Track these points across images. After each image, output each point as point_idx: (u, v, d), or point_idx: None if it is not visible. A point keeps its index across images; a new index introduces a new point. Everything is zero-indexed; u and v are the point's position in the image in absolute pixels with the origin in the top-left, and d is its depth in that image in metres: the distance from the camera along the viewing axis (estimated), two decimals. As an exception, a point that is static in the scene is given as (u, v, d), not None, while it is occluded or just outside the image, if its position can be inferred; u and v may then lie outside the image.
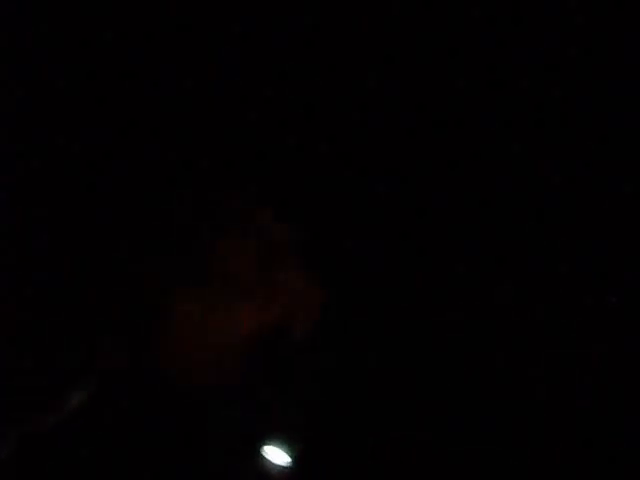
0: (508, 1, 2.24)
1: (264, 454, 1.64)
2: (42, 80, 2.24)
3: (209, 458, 1.57)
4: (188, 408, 1.60)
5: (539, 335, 2.23)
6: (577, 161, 2.25)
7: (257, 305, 1.64)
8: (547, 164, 2.25)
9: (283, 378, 1.70)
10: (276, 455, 1.63)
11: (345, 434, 2.15)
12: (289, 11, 2.26)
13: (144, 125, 2.25)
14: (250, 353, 1.59)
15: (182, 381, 1.60)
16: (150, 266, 1.78)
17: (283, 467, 1.63)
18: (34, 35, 2.24)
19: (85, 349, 1.93)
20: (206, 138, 2.25)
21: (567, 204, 2.25)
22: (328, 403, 2.07)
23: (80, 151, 2.24)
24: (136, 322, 1.73)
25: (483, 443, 2.18)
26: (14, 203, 2.22)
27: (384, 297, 2.25)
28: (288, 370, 1.70)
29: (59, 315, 2.17)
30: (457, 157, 2.26)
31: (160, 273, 1.76)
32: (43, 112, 2.24)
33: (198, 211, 1.83)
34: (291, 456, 1.62)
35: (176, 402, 1.59)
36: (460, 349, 2.22)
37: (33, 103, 2.24)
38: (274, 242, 1.75)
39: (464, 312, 2.23)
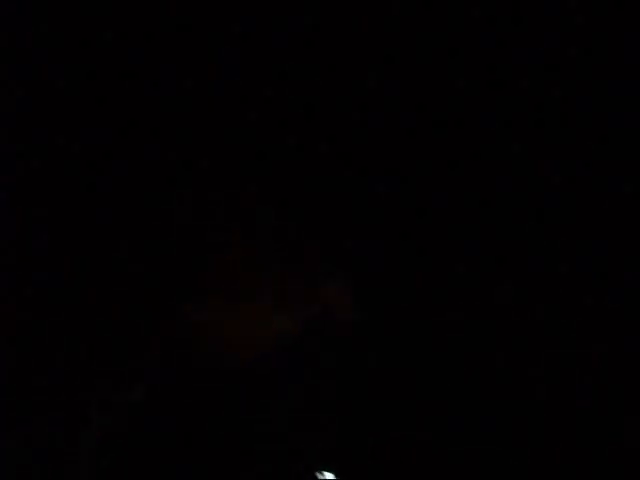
0: (508, 1, 2.24)
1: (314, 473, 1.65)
2: (42, 80, 2.24)
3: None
4: (233, 420, 1.60)
5: (539, 335, 2.23)
6: (577, 161, 2.25)
7: (271, 305, 1.64)
8: (547, 164, 2.25)
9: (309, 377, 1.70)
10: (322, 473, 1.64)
11: (346, 434, 2.15)
12: (289, 11, 2.26)
13: (144, 125, 2.24)
14: (273, 351, 1.60)
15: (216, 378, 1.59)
16: (159, 273, 1.78)
17: None
18: (34, 35, 2.23)
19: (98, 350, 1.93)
20: (206, 138, 2.25)
21: (567, 204, 2.25)
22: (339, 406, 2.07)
23: (80, 151, 2.24)
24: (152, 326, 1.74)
25: (483, 443, 2.18)
26: (14, 203, 2.22)
27: (384, 297, 2.25)
28: (314, 369, 1.70)
29: (59, 315, 2.17)
30: (457, 157, 2.26)
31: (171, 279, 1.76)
32: (43, 112, 2.24)
33: (198, 211, 1.83)
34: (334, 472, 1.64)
35: (219, 413, 1.59)
36: (460, 349, 2.22)
37: (33, 103, 2.24)
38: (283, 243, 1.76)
39: (464, 312, 2.23)
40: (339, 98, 2.26)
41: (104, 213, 2.22)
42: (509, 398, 2.21)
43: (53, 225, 2.22)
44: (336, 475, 1.78)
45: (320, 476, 1.73)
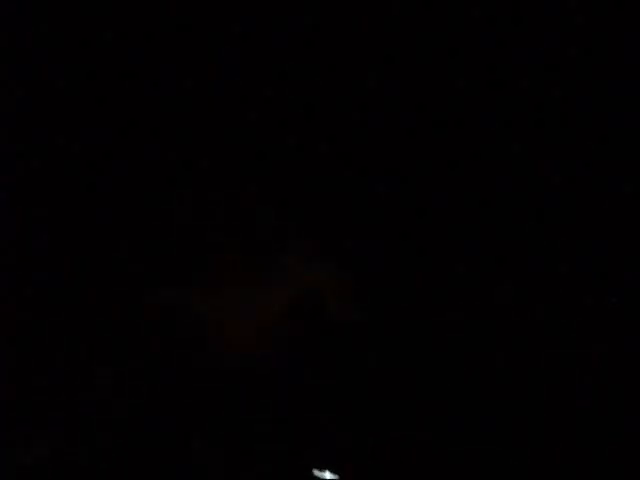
0: (508, 1, 2.24)
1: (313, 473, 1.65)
2: (42, 80, 2.24)
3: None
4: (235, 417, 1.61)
5: (539, 335, 2.22)
6: (577, 161, 2.25)
7: (269, 290, 1.65)
8: (547, 164, 2.25)
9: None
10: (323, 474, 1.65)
11: (346, 434, 2.15)
12: (289, 11, 2.26)
13: (144, 125, 2.24)
14: (279, 334, 1.61)
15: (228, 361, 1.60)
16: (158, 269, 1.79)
17: None
18: (34, 35, 2.23)
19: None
20: (206, 138, 2.25)
21: (567, 204, 2.25)
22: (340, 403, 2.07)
23: (80, 151, 2.24)
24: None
25: (483, 443, 2.18)
26: (14, 203, 2.22)
27: (384, 297, 2.25)
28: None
29: (59, 315, 2.17)
30: (457, 157, 2.26)
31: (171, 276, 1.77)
32: (43, 112, 2.24)
33: (198, 211, 1.83)
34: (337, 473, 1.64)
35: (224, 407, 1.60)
36: (460, 349, 2.22)
37: (33, 103, 2.24)
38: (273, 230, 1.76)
39: (464, 312, 2.23)
40: (339, 98, 2.26)
41: (104, 213, 2.22)
42: (509, 398, 2.21)
43: (53, 225, 2.22)
44: (336, 474, 1.79)
45: (320, 476, 1.73)
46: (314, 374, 1.93)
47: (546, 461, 2.18)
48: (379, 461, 2.14)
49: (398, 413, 2.19)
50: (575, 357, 2.21)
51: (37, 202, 2.23)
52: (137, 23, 2.24)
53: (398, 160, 2.27)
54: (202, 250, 1.85)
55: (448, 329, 2.23)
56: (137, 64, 2.25)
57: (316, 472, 1.71)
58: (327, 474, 1.73)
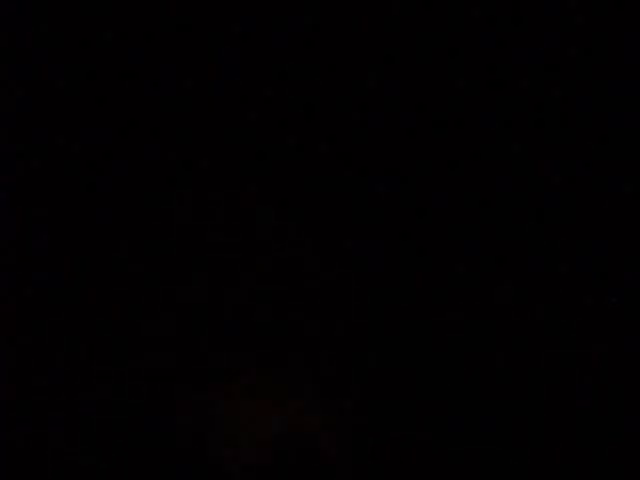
0: (508, 1, 2.24)
1: None
2: (42, 80, 2.24)
3: None
4: None
5: (539, 335, 2.22)
6: (577, 161, 2.25)
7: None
8: (547, 164, 2.25)
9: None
10: None
11: (347, 434, 2.15)
12: (289, 11, 2.26)
13: (144, 125, 2.24)
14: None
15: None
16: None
17: None
18: (34, 35, 2.23)
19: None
20: (206, 138, 2.25)
21: (567, 204, 2.25)
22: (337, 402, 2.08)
23: (80, 151, 2.24)
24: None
25: (483, 443, 2.18)
26: (14, 203, 2.22)
27: (384, 297, 2.25)
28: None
29: (59, 315, 2.17)
30: (457, 157, 2.26)
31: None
32: (43, 112, 2.24)
33: (198, 211, 1.83)
34: None
35: None
36: (460, 349, 2.22)
37: (33, 103, 2.24)
38: None
39: (464, 312, 2.23)
40: (339, 98, 2.26)
41: (104, 213, 2.22)
42: (509, 398, 2.21)
43: (53, 225, 2.22)
44: None
45: None
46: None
47: (546, 461, 2.18)
48: (379, 461, 2.14)
49: (398, 413, 2.19)
50: (575, 357, 2.21)
51: (37, 202, 2.23)
52: (137, 23, 2.24)
53: (398, 160, 2.27)
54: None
55: (448, 329, 2.23)
56: (137, 64, 2.25)
57: None
58: None
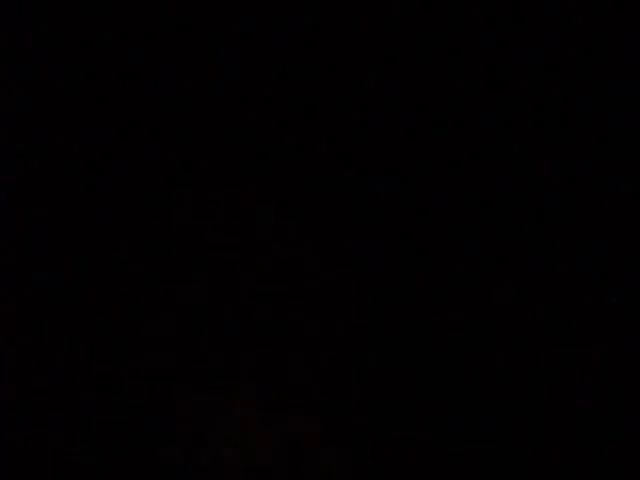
0: (508, 1, 2.24)
1: None
2: (42, 80, 2.24)
3: None
4: None
5: (539, 335, 2.22)
6: (577, 161, 2.25)
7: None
8: (547, 164, 2.25)
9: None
10: None
11: (347, 434, 2.15)
12: (289, 11, 2.26)
13: (144, 125, 2.24)
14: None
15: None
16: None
17: None
18: (34, 35, 2.23)
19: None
20: (206, 138, 2.25)
21: (567, 204, 2.25)
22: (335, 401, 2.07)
23: (80, 151, 2.24)
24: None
25: (483, 443, 2.18)
26: (14, 203, 2.22)
27: (384, 297, 2.25)
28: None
29: (59, 315, 2.17)
30: (457, 157, 2.26)
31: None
32: (43, 112, 2.24)
33: (198, 211, 1.83)
34: None
35: None
36: (460, 349, 2.22)
37: (33, 103, 2.24)
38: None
39: (464, 312, 2.23)
40: (339, 98, 2.26)
41: (104, 213, 2.22)
42: (509, 398, 2.21)
43: (53, 225, 2.22)
44: None
45: None
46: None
47: (546, 461, 2.18)
48: (379, 461, 2.14)
49: (398, 413, 2.19)
50: (575, 357, 2.21)
51: (37, 202, 2.23)
52: (137, 23, 2.24)
53: (398, 160, 2.27)
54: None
55: (448, 329, 2.23)
56: (137, 64, 2.25)
57: None
58: None
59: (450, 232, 2.26)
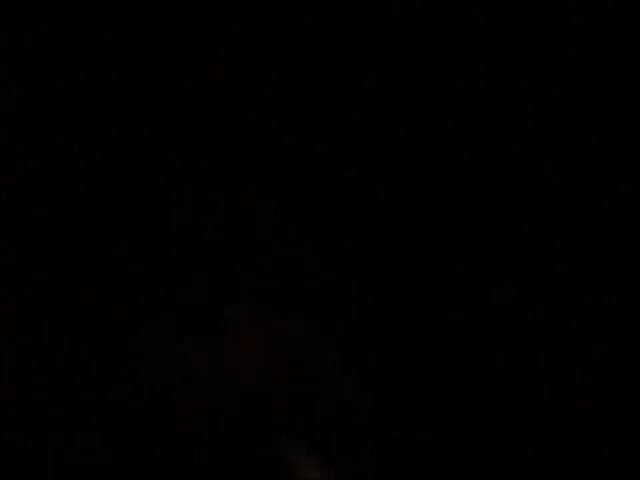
0: (508, 1, 2.24)
1: None
2: (42, 80, 2.24)
3: None
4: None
5: (539, 335, 2.23)
6: (577, 161, 2.25)
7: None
8: (547, 164, 2.25)
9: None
10: None
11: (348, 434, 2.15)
12: (289, 11, 2.26)
13: (144, 125, 2.24)
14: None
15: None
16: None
17: None
18: (34, 35, 2.23)
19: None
20: (206, 138, 2.25)
21: (567, 204, 2.25)
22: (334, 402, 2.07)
23: (80, 151, 2.24)
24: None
25: (483, 443, 2.18)
26: (14, 203, 2.22)
27: (384, 297, 2.25)
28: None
29: (59, 315, 2.17)
30: (457, 157, 2.26)
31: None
32: (43, 112, 2.24)
33: (198, 211, 1.83)
34: None
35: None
36: (460, 349, 2.22)
37: (33, 103, 2.24)
38: None
39: (464, 312, 2.23)
40: (339, 98, 2.26)
41: (104, 213, 2.22)
42: (509, 398, 2.21)
43: (53, 225, 2.22)
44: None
45: None
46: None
47: (546, 461, 2.18)
48: (379, 461, 2.14)
49: (397, 413, 2.19)
50: (575, 357, 2.21)
51: (37, 202, 2.23)
52: (137, 23, 2.24)
53: (398, 160, 2.27)
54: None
55: (448, 329, 2.23)
56: (137, 64, 2.25)
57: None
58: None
59: (450, 232, 2.26)
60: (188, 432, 1.72)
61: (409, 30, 2.26)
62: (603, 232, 2.23)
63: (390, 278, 2.25)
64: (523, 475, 2.17)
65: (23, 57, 2.24)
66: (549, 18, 2.24)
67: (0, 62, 2.23)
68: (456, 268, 2.24)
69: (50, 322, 2.15)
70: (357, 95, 2.26)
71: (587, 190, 2.25)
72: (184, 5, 2.25)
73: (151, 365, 1.83)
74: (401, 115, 2.27)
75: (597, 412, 2.19)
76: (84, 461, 1.67)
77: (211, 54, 2.25)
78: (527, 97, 2.25)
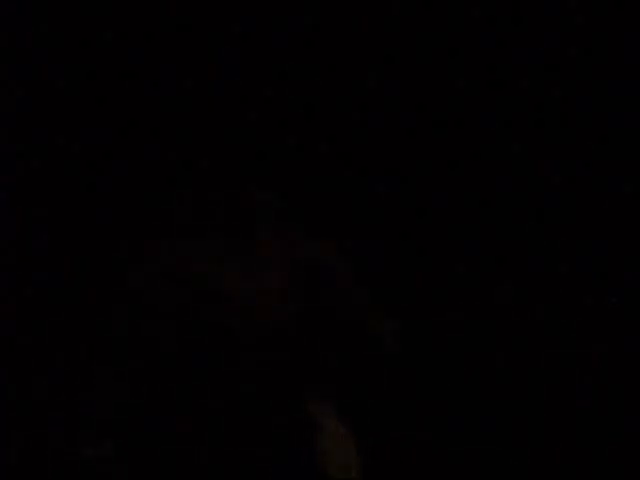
0: (508, 1, 2.24)
1: None
2: (42, 80, 2.24)
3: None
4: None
5: (539, 335, 2.23)
6: (577, 161, 2.25)
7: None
8: (547, 164, 2.25)
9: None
10: None
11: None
12: (289, 11, 2.26)
13: (144, 125, 2.24)
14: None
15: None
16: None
17: None
18: (34, 35, 2.24)
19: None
20: (206, 138, 2.25)
21: (567, 204, 2.25)
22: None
23: (80, 151, 2.24)
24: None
25: (483, 443, 2.18)
26: (14, 203, 2.22)
27: (384, 297, 2.25)
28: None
29: (59, 315, 2.17)
30: (457, 157, 2.26)
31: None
32: (43, 112, 2.24)
33: (198, 211, 1.83)
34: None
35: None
36: (460, 349, 2.22)
37: (33, 103, 2.24)
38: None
39: (464, 312, 2.23)
40: (339, 98, 2.26)
41: (104, 213, 2.22)
42: (509, 398, 2.21)
43: (53, 225, 2.22)
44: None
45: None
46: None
47: (546, 461, 2.18)
48: (379, 461, 2.14)
49: (398, 413, 2.19)
50: (575, 357, 2.21)
51: (37, 202, 2.23)
52: (137, 23, 2.25)
53: (398, 160, 2.27)
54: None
55: (448, 329, 2.23)
56: (137, 64, 2.25)
57: None
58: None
59: (450, 232, 2.26)
60: (217, 371, 1.73)
61: (409, 30, 2.26)
62: (603, 232, 2.23)
63: (390, 278, 2.25)
64: (523, 475, 2.17)
65: (23, 57, 2.24)
66: (549, 18, 2.24)
67: (0, 62, 2.23)
68: (456, 268, 2.25)
69: (50, 322, 2.16)
70: (357, 95, 2.26)
71: (587, 190, 2.24)
72: (184, 5, 2.25)
73: (184, 284, 1.83)
74: (401, 115, 2.27)
75: (597, 412, 2.19)
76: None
77: (211, 54, 2.25)
78: (527, 97, 2.25)
